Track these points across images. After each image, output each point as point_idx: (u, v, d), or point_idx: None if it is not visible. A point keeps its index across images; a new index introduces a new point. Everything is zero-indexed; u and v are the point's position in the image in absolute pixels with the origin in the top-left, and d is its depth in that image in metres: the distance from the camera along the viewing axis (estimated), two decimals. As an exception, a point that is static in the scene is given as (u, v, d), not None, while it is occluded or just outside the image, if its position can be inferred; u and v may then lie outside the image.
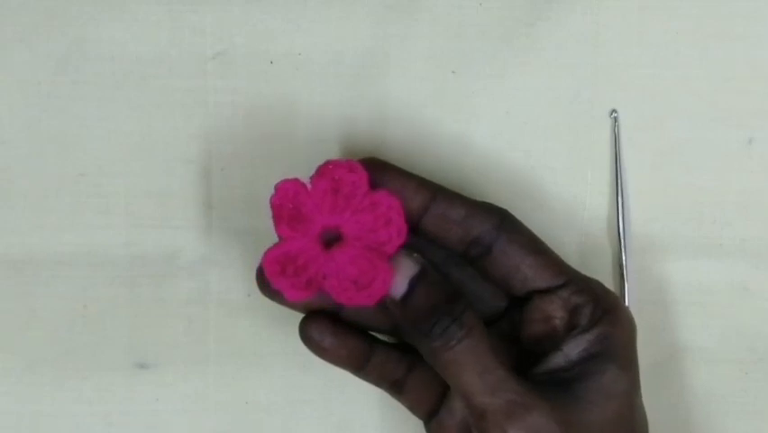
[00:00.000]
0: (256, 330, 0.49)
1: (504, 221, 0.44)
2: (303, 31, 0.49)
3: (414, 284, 0.43)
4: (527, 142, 0.50)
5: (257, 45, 0.49)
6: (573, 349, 0.43)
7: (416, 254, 0.43)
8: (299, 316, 0.46)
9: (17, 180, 0.49)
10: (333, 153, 0.48)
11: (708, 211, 0.50)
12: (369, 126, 0.49)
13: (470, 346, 0.42)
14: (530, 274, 0.44)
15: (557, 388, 0.43)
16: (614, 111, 0.50)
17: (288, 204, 0.43)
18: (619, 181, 0.49)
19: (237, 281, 0.49)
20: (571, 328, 0.44)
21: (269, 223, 0.46)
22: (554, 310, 0.44)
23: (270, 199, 0.43)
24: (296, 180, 0.44)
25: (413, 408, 0.46)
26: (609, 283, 0.49)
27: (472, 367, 0.42)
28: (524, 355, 0.45)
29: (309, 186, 0.43)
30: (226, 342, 0.49)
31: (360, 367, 0.46)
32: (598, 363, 0.43)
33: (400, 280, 0.43)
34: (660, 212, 0.50)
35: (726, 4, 0.49)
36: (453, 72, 0.49)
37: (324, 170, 0.44)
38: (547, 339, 0.44)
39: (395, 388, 0.46)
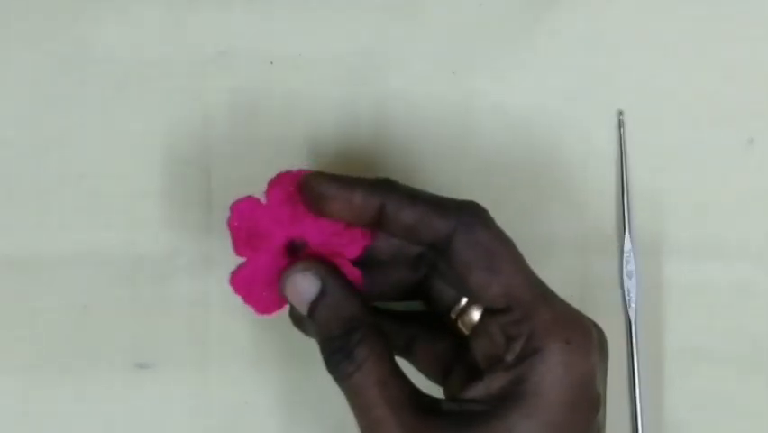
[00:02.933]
0: (256, 331, 0.49)
1: (458, 228, 0.41)
2: (303, 31, 0.49)
3: (314, 307, 0.42)
4: (527, 142, 0.50)
5: (257, 45, 0.49)
6: (493, 384, 0.41)
7: (315, 269, 0.42)
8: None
9: (18, 180, 0.49)
10: (334, 153, 0.48)
11: (710, 212, 0.50)
12: (369, 126, 0.49)
13: (358, 382, 0.40)
14: (474, 289, 0.41)
15: (462, 426, 0.40)
16: (620, 112, 0.50)
17: (245, 224, 0.43)
18: (625, 181, 0.49)
19: (237, 281, 0.49)
20: (499, 361, 0.41)
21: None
22: (494, 334, 0.41)
23: (227, 222, 0.43)
24: (250, 198, 0.43)
25: (426, 372, 0.46)
26: (613, 284, 0.49)
27: (359, 403, 0.41)
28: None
29: (264, 201, 0.43)
30: (226, 342, 0.49)
31: None
32: (505, 408, 0.40)
33: (300, 302, 0.42)
34: (661, 213, 0.50)
35: (726, 4, 0.49)
36: (453, 72, 0.50)
37: (277, 183, 0.43)
38: (481, 362, 0.42)
39: (403, 354, 0.46)
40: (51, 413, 0.49)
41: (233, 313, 0.49)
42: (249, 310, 0.49)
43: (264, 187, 0.43)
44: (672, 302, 0.50)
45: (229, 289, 0.49)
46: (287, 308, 0.44)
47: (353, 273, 0.43)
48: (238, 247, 0.43)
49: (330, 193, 0.42)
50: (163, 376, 0.49)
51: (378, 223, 0.42)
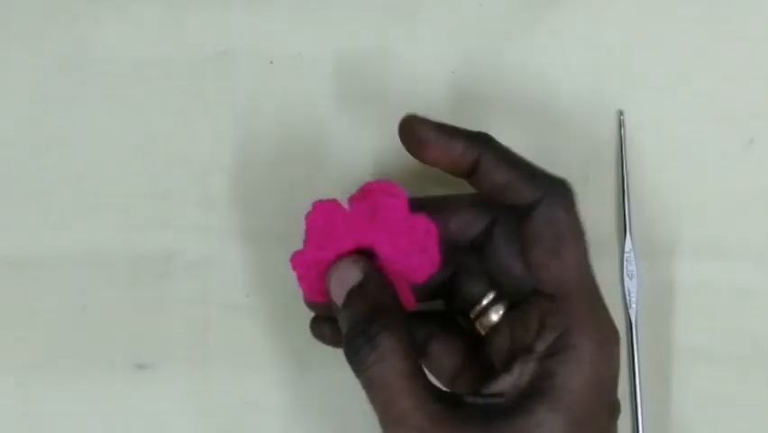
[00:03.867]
0: (255, 330, 0.49)
1: (542, 201, 0.41)
2: (303, 31, 0.49)
3: (351, 295, 0.41)
4: (528, 142, 0.49)
5: (257, 45, 0.49)
6: (522, 376, 0.41)
7: (362, 263, 0.42)
8: (298, 317, 0.47)
9: (17, 180, 0.49)
10: (333, 154, 0.48)
11: (710, 212, 0.50)
12: (369, 127, 0.49)
13: (380, 372, 0.40)
14: (530, 264, 0.42)
15: (486, 420, 0.40)
16: (620, 112, 0.50)
17: (320, 224, 0.43)
18: (625, 182, 0.49)
19: (237, 281, 0.49)
20: (531, 350, 0.41)
21: (269, 223, 0.46)
22: (530, 320, 0.41)
23: (306, 217, 0.43)
24: (333, 201, 0.43)
25: (436, 373, 0.46)
26: (614, 283, 0.49)
27: (383, 394, 0.40)
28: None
29: (347, 206, 0.43)
30: (226, 342, 0.49)
31: None
32: (532, 401, 0.40)
33: (338, 288, 0.42)
34: (661, 212, 0.50)
35: (726, 4, 0.49)
36: (453, 72, 0.50)
37: (364, 192, 0.43)
38: (503, 357, 0.42)
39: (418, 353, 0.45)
40: (51, 413, 0.49)
41: (233, 313, 0.49)
42: (248, 310, 0.49)
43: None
44: (673, 302, 0.50)
45: (229, 289, 0.49)
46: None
47: (408, 299, 0.43)
48: (308, 246, 0.43)
49: (431, 138, 0.42)
50: (163, 376, 0.49)
51: (471, 174, 0.42)
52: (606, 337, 0.42)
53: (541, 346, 0.41)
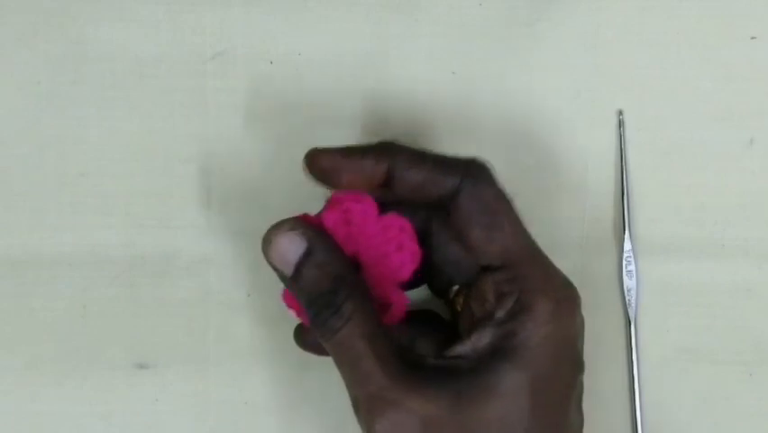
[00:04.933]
0: (256, 330, 0.49)
1: (464, 183, 0.42)
2: (303, 31, 0.49)
3: (300, 266, 0.41)
4: (527, 142, 0.50)
5: (257, 45, 0.49)
6: (480, 340, 0.42)
7: (302, 229, 0.42)
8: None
9: (17, 180, 0.49)
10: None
11: (710, 212, 0.50)
12: (368, 127, 0.49)
13: (345, 336, 0.41)
14: (474, 247, 0.43)
15: (450, 379, 0.41)
16: (620, 112, 0.50)
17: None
18: (625, 182, 0.49)
19: (237, 281, 0.49)
20: (490, 317, 0.42)
21: (269, 223, 0.46)
22: (487, 292, 0.43)
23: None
24: (306, 216, 0.43)
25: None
26: (613, 283, 0.49)
27: (347, 357, 0.41)
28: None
29: (320, 218, 0.43)
30: (226, 342, 0.49)
31: None
32: (494, 360, 0.41)
33: (286, 261, 0.41)
34: (661, 213, 0.50)
35: (726, 4, 0.49)
36: (453, 73, 0.50)
37: (334, 203, 0.43)
38: (468, 326, 0.43)
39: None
40: (51, 413, 0.49)
41: (233, 313, 0.49)
42: (249, 310, 0.49)
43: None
44: (672, 302, 0.50)
45: (229, 288, 0.49)
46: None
47: (400, 300, 0.44)
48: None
49: (340, 166, 0.43)
50: (163, 376, 0.49)
51: (386, 186, 0.43)
52: (563, 296, 0.43)
53: (501, 313, 0.42)
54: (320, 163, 0.43)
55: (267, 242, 0.42)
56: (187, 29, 0.49)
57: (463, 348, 0.42)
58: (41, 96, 0.49)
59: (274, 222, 0.46)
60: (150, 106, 0.49)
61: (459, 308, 0.44)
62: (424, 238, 0.44)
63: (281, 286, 0.43)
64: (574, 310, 0.43)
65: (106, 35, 0.49)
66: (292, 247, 0.42)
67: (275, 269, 0.42)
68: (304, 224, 0.42)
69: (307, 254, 0.41)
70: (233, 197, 0.49)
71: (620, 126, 0.50)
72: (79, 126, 0.49)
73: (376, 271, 0.43)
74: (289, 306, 0.44)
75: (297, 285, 0.42)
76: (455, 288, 0.45)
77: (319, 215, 0.43)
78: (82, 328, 0.49)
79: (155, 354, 0.49)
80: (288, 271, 0.41)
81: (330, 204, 0.43)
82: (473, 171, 0.43)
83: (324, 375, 0.49)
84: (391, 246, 0.43)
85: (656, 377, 0.49)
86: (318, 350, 0.45)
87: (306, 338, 0.46)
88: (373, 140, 0.44)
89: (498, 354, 0.41)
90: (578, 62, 0.50)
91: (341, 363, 0.41)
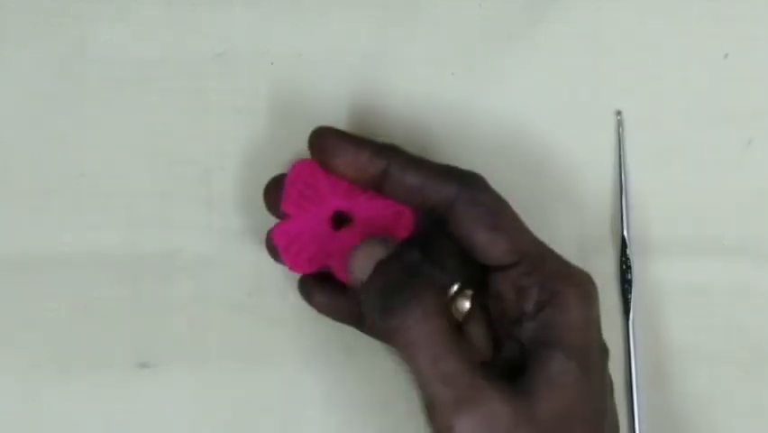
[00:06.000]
0: (256, 330, 0.49)
1: (461, 191, 0.43)
2: (303, 32, 0.49)
3: (379, 267, 0.42)
4: (527, 142, 0.50)
5: (257, 46, 0.49)
6: (522, 335, 0.42)
7: (387, 242, 0.43)
8: (298, 317, 0.47)
9: (17, 180, 0.49)
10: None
11: (709, 211, 0.50)
12: (368, 127, 0.49)
13: (426, 331, 0.41)
14: (480, 248, 0.43)
15: (512, 379, 0.42)
16: (618, 112, 0.50)
17: (302, 183, 0.45)
18: (623, 182, 0.49)
19: (237, 281, 0.49)
20: (521, 313, 0.42)
21: (269, 223, 0.46)
22: (505, 291, 0.43)
23: (286, 176, 0.45)
24: (313, 162, 0.45)
25: None
26: (612, 283, 0.49)
27: (426, 353, 0.41)
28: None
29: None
30: (227, 342, 0.49)
31: (356, 323, 0.46)
32: (544, 351, 0.41)
33: (366, 263, 0.42)
34: (660, 213, 0.50)
35: (727, 4, 0.49)
36: (453, 74, 0.50)
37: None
38: (502, 321, 0.43)
39: None
40: (51, 413, 0.49)
41: (233, 313, 0.49)
42: (249, 310, 0.49)
43: None
44: (672, 302, 0.50)
45: (229, 288, 0.49)
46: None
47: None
48: (288, 203, 0.45)
49: (338, 149, 0.44)
50: (163, 376, 0.49)
51: (380, 185, 0.44)
52: (584, 279, 0.43)
53: (529, 306, 0.42)
54: (321, 140, 0.44)
55: (360, 247, 0.43)
56: (187, 30, 0.49)
57: (510, 348, 0.43)
58: (41, 96, 0.49)
59: (274, 221, 0.46)
60: (151, 107, 0.49)
61: (463, 311, 0.44)
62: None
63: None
64: (595, 294, 0.43)
65: (107, 36, 0.49)
66: (375, 251, 0.43)
67: (357, 274, 0.43)
68: (389, 237, 0.43)
69: (389, 258, 0.42)
70: (234, 197, 0.49)
71: (619, 126, 0.50)
72: (79, 126, 0.49)
73: (373, 228, 0.45)
74: (276, 242, 0.45)
75: (369, 284, 0.42)
76: (454, 288, 0.44)
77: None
78: (83, 328, 0.49)
79: (156, 353, 0.49)
80: (366, 273, 0.42)
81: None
82: (469, 180, 0.44)
83: (325, 375, 0.49)
84: (389, 209, 0.45)
85: (654, 376, 0.50)
86: (331, 311, 0.46)
87: (318, 297, 0.46)
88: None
89: (545, 344, 0.42)
90: (577, 62, 0.50)
91: (417, 359, 0.41)
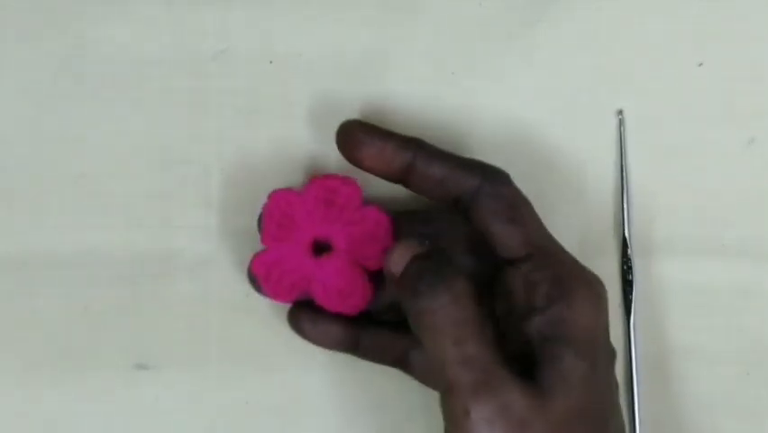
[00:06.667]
0: (256, 330, 0.49)
1: (484, 184, 0.44)
2: (303, 31, 0.49)
3: (414, 259, 0.42)
4: (528, 142, 0.50)
5: (257, 45, 0.49)
6: (530, 330, 0.42)
7: (427, 241, 0.43)
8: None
9: (17, 180, 0.49)
10: (333, 154, 0.48)
11: (710, 211, 0.50)
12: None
13: (452, 314, 0.41)
14: (496, 242, 0.43)
15: (526, 370, 0.42)
16: (620, 112, 0.50)
17: (278, 214, 0.45)
18: (625, 181, 0.49)
19: (237, 281, 0.49)
20: (530, 308, 0.43)
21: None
22: (516, 287, 0.43)
23: (263, 208, 0.45)
24: (289, 190, 0.45)
25: (423, 381, 0.47)
26: (613, 283, 0.49)
27: (451, 335, 0.41)
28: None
29: (303, 190, 0.45)
30: (226, 342, 0.49)
31: (350, 350, 0.47)
32: (555, 348, 0.42)
33: (402, 258, 0.42)
34: (661, 213, 0.50)
35: (726, 4, 0.49)
36: (453, 73, 0.50)
37: (320, 181, 0.45)
38: (510, 315, 0.44)
39: (399, 365, 0.47)
40: (51, 413, 0.49)
41: (233, 313, 0.49)
42: (249, 310, 0.49)
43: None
44: (672, 302, 0.50)
45: (229, 288, 0.49)
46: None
47: (365, 287, 0.45)
48: (266, 236, 0.46)
49: (365, 142, 0.45)
50: (163, 376, 0.49)
51: (405, 177, 0.45)
52: (593, 280, 0.44)
53: (539, 300, 0.43)
54: (349, 132, 0.45)
55: (397, 245, 0.43)
56: (187, 29, 0.49)
57: (517, 341, 0.43)
58: (41, 96, 0.49)
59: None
60: (151, 106, 0.49)
61: None
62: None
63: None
64: (604, 295, 0.44)
65: (107, 35, 0.49)
66: (409, 248, 0.43)
67: (392, 269, 0.43)
68: (421, 239, 0.43)
69: (421, 253, 0.43)
70: (234, 197, 0.49)
71: (620, 126, 0.50)
72: (80, 126, 0.49)
73: (348, 257, 0.45)
74: (256, 273, 0.45)
75: (403, 273, 0.42)
76: None
77: (301, 190, 0.45)
78: (82, 328, 0.49)
79: (155, 354, 0.49)
80: (400, 266, 0.43)
81: (315, 181, 0.45)
82: (493, 173, 0.44)
83: (325, 375, 0.49)
84: (366, 238, 0.45)
85: (655, 376, 0.50)
86: (324, 340, 0.46)
87: (308, 326, 0.47)
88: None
89: (555, 341, 0.42)
90: (577, 62, 0.50)
91: (439, 340, 0.41)
